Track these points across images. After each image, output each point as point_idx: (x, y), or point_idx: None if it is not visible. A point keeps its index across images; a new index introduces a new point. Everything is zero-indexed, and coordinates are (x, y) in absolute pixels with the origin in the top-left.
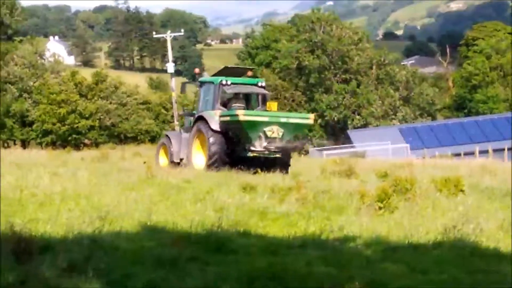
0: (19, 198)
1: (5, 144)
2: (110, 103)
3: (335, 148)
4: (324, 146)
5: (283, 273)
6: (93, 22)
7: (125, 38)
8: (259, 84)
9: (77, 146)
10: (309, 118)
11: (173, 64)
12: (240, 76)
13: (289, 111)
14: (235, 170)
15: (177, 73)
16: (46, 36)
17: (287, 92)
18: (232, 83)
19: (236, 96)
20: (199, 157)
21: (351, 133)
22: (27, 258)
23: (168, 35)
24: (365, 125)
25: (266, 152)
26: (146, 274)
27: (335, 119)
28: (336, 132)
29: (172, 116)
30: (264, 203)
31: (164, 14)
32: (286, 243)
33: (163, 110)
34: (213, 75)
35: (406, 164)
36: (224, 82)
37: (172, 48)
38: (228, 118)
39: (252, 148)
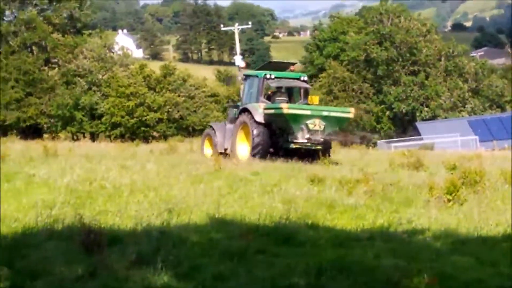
0: (89, 190)
1: (75, 137)
2: (178, 96)
3: (403, 140)
4: (392, 138)
5: (351, 266)
6: (161, 15)
7: (193, 31)
8: (302, 78)
9: (146, 139)
10: (350, 112)
11: (241, 57)
12: (283, 71)
13: (357, 103)
14: (303, 162)
15: (245, 65)
16: (115, 29)
17: (355, 84)
18: (275, 77)
19: (279, 89)
20: (243, 148)
21: (420, 125)
22: (96, 250)
23: (236, 28)
24: (433, 117)
25: (308, 144)
26: (214, 266)
27: (403, 111)
28: (405, 124)
29: None
30: (332, 196)
31: (232, 7)
32: (354, 235)
33: (231, 103)
34: (257, 69)
35: (475, 156)
36: (268, 76)
37: (240, 41)
38: (272, 111)
39: (295, 140)
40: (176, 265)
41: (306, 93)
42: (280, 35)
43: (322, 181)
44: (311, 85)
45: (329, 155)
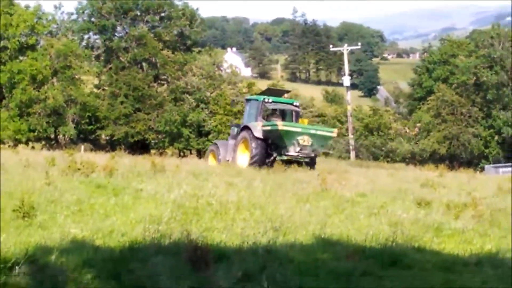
0: (195, 207)
1: (181, 153)
2: None
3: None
4: (500, 163)
5: None
6: (270, 34)
7: (302, 50)
8: (294, 103)
9: None
10: (333, 132)
11: (349, 78)
12: (279, 96)
13: (466, 127)
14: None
15: (353, 86)
16: (224, 47)
17: (464, 108)
18: (272, 101)
19: (274, 111)
20: (243, 158)
21: None
22: (203, 266)
23: (345, 49)
24: None
25: (298, 156)
26: (320, 286)
27: None
28: None
29: (347, 129)
30: (439, 219)
31: (341, 28)
32: (462, 260)
33: (338, 123)
34: (258, 94)
35: None
36: (266, 100)
37: (349, 62)
38: (269, 128)
39: (287, 153)
40: (282, 284)
41: (297, 116)
42: (389, 57)
43: (429, 204)
44: (419, 108)
45: (314, 167)
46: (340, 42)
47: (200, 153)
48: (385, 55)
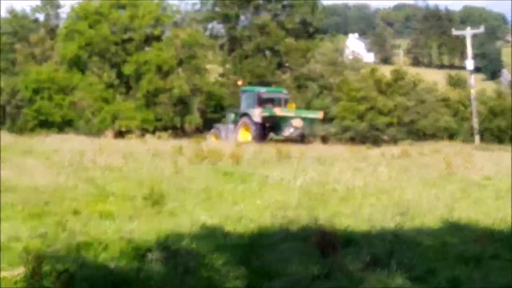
0: (322, 192)
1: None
2: (409, 100)
3: None
4: None
5: None
6: (392, 19)
7: (424, 35)
8: (283, 92)
9: (376, 142)
10: (319, 114)
11: (472, 61)
12: (269, 86)
13: None
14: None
15: (476, 70)
16: (346, 33)
17: None
18: (265, 91)
19: (267, 99)
20: (244, 138)
21: None
22: (331, 251)
23: (468, 32)
24: None
25: (292, 136)
26: (449, 270)
27: None
28: None
29: (471, 113)
30: None
31: (463, 11)
32: None
33: (461, 107)
34: (252, 86)
35: None
36: (261, 91)
37: (472, 45)
38: (267, 114)
39: (282, 134)
40: (410, 268)
41: (286, 101)
42: None
43: None
44: None
45: (304, 142)
46: (462, 26)
47: (324, 139)
48: (508, 38)
